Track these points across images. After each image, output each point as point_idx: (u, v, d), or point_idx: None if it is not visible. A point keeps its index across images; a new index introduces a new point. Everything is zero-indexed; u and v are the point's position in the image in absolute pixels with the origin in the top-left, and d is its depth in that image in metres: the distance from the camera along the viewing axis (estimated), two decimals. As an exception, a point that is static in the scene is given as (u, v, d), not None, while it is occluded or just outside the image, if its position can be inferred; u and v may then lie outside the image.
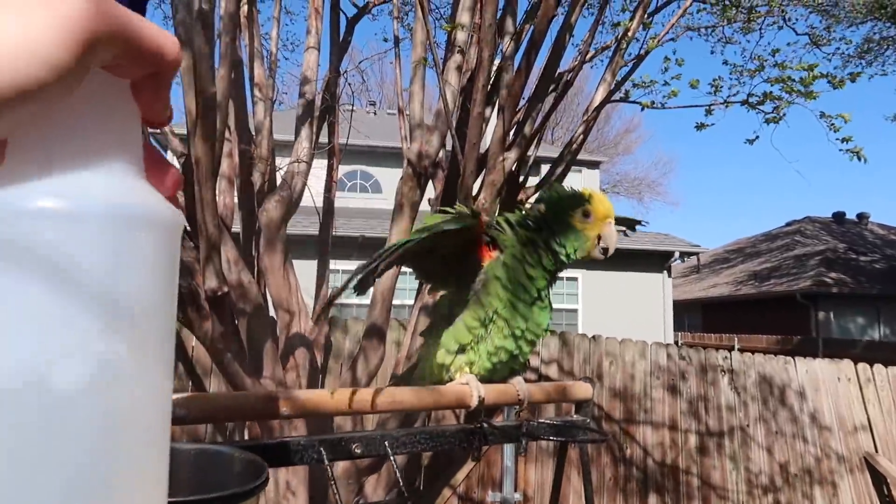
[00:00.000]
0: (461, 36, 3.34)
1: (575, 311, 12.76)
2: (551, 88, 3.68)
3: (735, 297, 19.69)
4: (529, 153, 3.80)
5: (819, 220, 24.49)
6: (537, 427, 1.39)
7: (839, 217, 24.50)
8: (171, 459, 0.68)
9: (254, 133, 3.90)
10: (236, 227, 3.84)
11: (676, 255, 12.88)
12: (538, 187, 3.57)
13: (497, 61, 3.22)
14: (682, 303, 21.01)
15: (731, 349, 8.06)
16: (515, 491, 4.70)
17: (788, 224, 25.20)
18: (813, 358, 5.61)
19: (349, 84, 4.20)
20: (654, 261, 12.88)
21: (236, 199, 3.69)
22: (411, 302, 4.01)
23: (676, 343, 13.56)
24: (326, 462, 0.98)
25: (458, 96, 3.47)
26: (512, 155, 3.05)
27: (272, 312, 3.80)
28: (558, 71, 3.70)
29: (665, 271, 13.00)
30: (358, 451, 1.07)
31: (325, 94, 4.15)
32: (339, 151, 4.29)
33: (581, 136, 3.61)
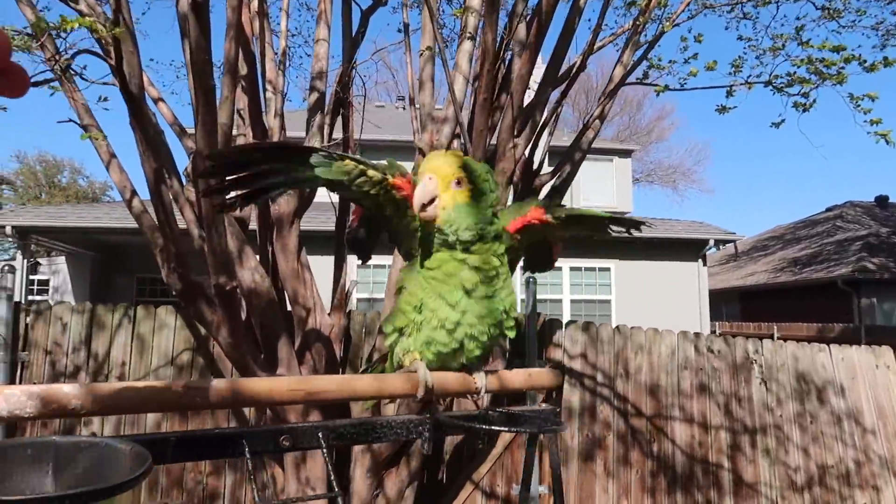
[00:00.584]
0: (472, 21, 3.26)
1: (608, 301, 12.58)
2: (565, 73, 3.59)
3: (774, 285, 19.20)
4: (542, 140, 3.72)
5: (861, 204, 23.70)
6: (496, 417, 1.33)
7: (882, 201, 23.65)
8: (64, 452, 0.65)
9: (268, 127, 3.88)
10: (253, 225, 3.84)
11: (711, 243, 12.59)
12: (554, 174, 3.48)
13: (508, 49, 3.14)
14: (719, 291, 20.58)
15: (770, 338, 7.83)
16: (540, 484, 4.64)
17: (829, 209, 24.44)
18: (853, 345, 5.40)
19: (363, 76, 4.15)
20: (689, 249, 12.62)
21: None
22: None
23: (714, 332, 13.27)
24: (248, 455, 0.94)
25: (472, 85, 3.41)
26: (522, 142, 2.97)
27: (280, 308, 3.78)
28: (578, 56, 3.60)
29: (700, 260, 12.73)
30: (286, 443, 1.03)
31: (337, 87, 4.12)
32: (354, 145, 4.25)
33: (597, 121, 3.51)
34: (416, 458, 3.79)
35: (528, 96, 3.24)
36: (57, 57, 2.69)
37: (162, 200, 2.86)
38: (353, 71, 4.18)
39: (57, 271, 14.93)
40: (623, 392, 4.74)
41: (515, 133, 2.94)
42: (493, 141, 3.14)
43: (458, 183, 1.32)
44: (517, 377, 1.44)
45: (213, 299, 2.94)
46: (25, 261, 11.87)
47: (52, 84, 2.60)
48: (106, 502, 0.68)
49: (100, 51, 2.57)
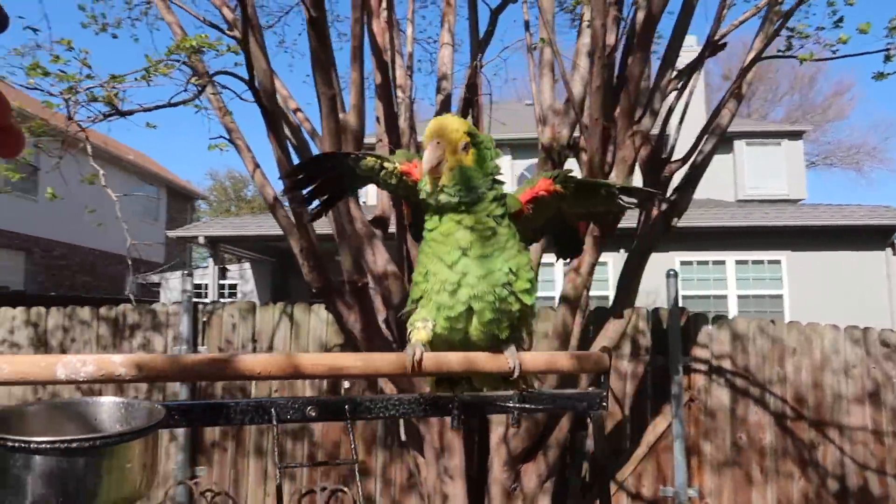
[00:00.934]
0: (589, 13, 3.21)
1: (779, 297, 11.62)
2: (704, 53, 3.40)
3: None
4: (671, 126, 3.55)
5: None
6: (535, 397, 1.31)
7: None
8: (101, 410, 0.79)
9: (401, 131, 4.06)
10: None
11: (901, 228, 11.21)
12: (684, 161, 3.32)
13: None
14: (919, 284, 18.19)
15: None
16: (690, 487, 4.43)
17: None
18: None
19: (494, 74, 4.20)
20: (874, 237, 11.32)
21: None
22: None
23: (908, 330, 11.78)
24: (275, 422, 1.02)
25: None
26: (642, 129, 2.87)
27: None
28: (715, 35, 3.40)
29: (889, 248, 11.37)
30: (313, 413, 1.11)
31: (465, 87, 4.21)
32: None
33: (732, 101, 3.29)
34: (555, 453, 3.78)
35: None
36: (205, 77, 3.02)
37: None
38: (481, 70, 4.26)
39: (245, 277, 16.54)
40: (780, 393, 4.39)
41: (635, 120, 2.86)
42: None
43: (465, 147, 1.36)
44: (561, 358, 1.42)
45: (348, 296, 3.14)
46: (216, 267, 13.31)
47: (195, 103, 2.95)
48: (123, 447, 0.81)
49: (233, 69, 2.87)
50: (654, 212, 3.35)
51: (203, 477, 4.59)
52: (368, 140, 3.65)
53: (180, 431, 4.56)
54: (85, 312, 4.76)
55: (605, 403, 1.35)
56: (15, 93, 4.49)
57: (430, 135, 1.34)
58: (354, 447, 1.15)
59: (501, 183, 1.44)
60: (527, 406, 1.29)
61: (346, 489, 4.45)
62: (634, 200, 1.42)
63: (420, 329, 1.37)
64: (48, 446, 0.77)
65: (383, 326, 3.58)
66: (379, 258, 3.42)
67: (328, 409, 1.14)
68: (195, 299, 4.98)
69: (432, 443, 3.62)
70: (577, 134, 3.32)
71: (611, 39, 3.15)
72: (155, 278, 16.66)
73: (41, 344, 4.78)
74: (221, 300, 14.07)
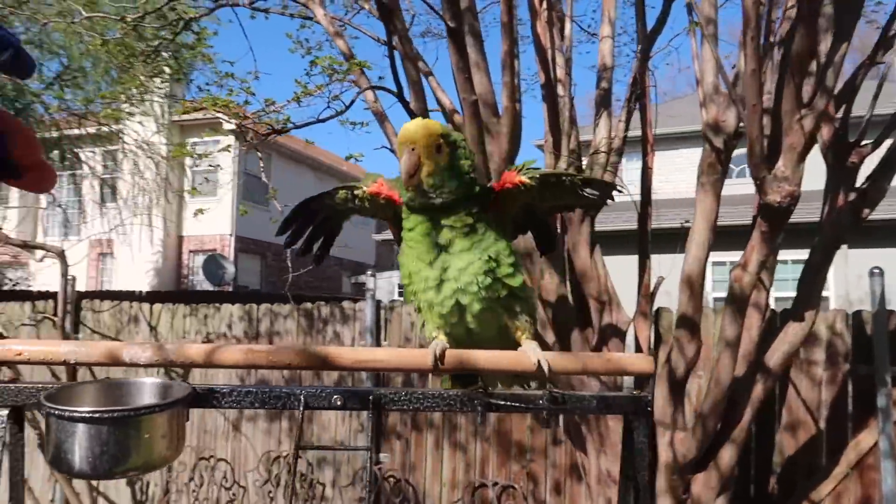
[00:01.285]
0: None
1: None
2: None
3: None
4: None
5: None
6: (567, 399, 1.23)
7: None
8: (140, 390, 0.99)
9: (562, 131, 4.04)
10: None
11: None
12: (875, 146, 2.91)
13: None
14: None
15: None
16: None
17: None
18: None
19: (664, 65, 4.00)
20: None
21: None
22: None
23: None
24: (301, 408, 1.09)
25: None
26: (815, 111, 2.59)
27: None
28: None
29: None
30: (339, 402, 1.18)
31: (633, 80, 4.08)
32: (651, 140, 4.15)
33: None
34: (730, 462, 3.52)
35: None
36: (374, 97, 3.27)
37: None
38: (649, 62, 4.10)
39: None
40: None
41: (804, 102, 2.59)
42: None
43: (438, 149, 1.37)
44: (593, 359, 1.34)
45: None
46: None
47: (351, 121, 3.21)
48: (146, 418, 0.97)
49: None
50: (840, 201, 3.01)
51: (386, 463, 4.94)
52: (538, 141, 3.68)
53: (365, 422, 4.93)
54: (285, 308, 5.36)
55: (650, 409, 1.25)
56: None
57: (404, 141, 1.37)
58: (373, 436, 1.23)
59: (474, 179, 1.45)
60: (558, 407, 1.25)
61: (516, 485, 4.52)
62: (596, 193, 1.39)
63: (432, 328, 1.42)
64: (78, 415, 0.96)
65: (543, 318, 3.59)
66: (536, 261, 3.44)
67: (353, 400, 1.23)
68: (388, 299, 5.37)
69: (594, 443, 3.57)
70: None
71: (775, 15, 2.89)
72: (363, 278, 18.13)
73: (254, 335, 5.46)
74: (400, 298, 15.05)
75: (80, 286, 18.61)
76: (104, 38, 5.95)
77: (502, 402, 1.24)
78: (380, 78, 3.15)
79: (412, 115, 2.98)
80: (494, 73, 3.56)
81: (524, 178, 1.45)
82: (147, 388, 1.18)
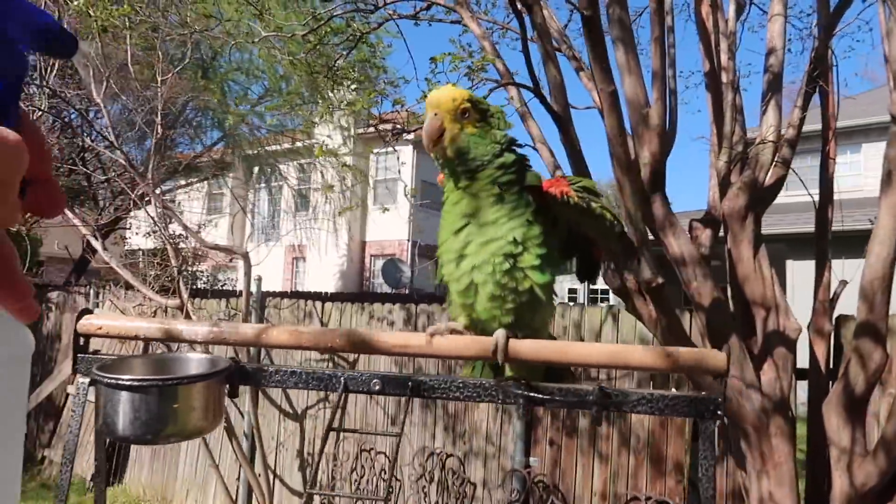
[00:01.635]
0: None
1: None
2: None
3: None
4: None
5: None
6: (622, 396, 1.07)
7: None
8: (187, 363, 1.09)
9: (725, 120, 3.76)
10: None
11: None
12: None
13: None
14: None
15: None
16: None
17: None
18: None
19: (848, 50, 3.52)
20: None
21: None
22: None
23: None
24: (340, 390, 1.07)
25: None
26: None
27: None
28: None
29: None
30: (377, 387, 1.17)
31: (811, 63, 3.70)
32: (834, 130, 3.71)
33: None
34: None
35: None
36: (519, 95, 3.26)
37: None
38: (831, 43, 3.69)
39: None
40: None
41: None
42: None
43: (465, 114, 1.28)
44: (650, 354, 1.16)
45: (645, 295, 3.05)
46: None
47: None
48: (185, 388, 1.08)
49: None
50: None
51: (535, 467, 4.87)
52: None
53: (518, 428, 4.90)
54: (438, 308, 5.52)
55: (720, 412, 1.06)
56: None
57: (428, 107, 1.30)
58: (403, 420, 1.22)
59: (513, 152, 1.32)
60: (610, 404, 1.10)
61: (670, 501, 4.25)
62: (585, 195, 1.32)
63: (458, 309, 1.37)
64: (115, 383, 1.05)
65: (696, 324, 3.35)
66: (690, 262, 3.21)
67: (391, 385, 1.21)
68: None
69: (753, 462, 3.25)
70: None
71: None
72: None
73: (411, 324, 5.71)
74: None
75: (276, 287, 20.60)
76: (293, 58, 6.50)
77: (546, 396, 1.14)
78: (536, 84, 3.12)
79: (552, 113, 2.92)
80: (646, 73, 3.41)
81: (570, 189, 1.32)
82: (193, 362, 1.27)
